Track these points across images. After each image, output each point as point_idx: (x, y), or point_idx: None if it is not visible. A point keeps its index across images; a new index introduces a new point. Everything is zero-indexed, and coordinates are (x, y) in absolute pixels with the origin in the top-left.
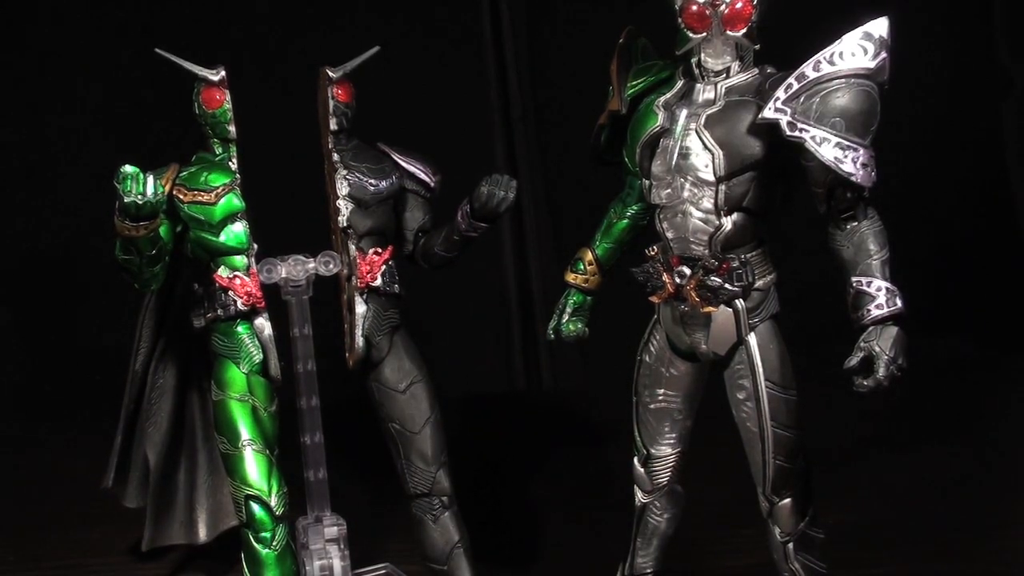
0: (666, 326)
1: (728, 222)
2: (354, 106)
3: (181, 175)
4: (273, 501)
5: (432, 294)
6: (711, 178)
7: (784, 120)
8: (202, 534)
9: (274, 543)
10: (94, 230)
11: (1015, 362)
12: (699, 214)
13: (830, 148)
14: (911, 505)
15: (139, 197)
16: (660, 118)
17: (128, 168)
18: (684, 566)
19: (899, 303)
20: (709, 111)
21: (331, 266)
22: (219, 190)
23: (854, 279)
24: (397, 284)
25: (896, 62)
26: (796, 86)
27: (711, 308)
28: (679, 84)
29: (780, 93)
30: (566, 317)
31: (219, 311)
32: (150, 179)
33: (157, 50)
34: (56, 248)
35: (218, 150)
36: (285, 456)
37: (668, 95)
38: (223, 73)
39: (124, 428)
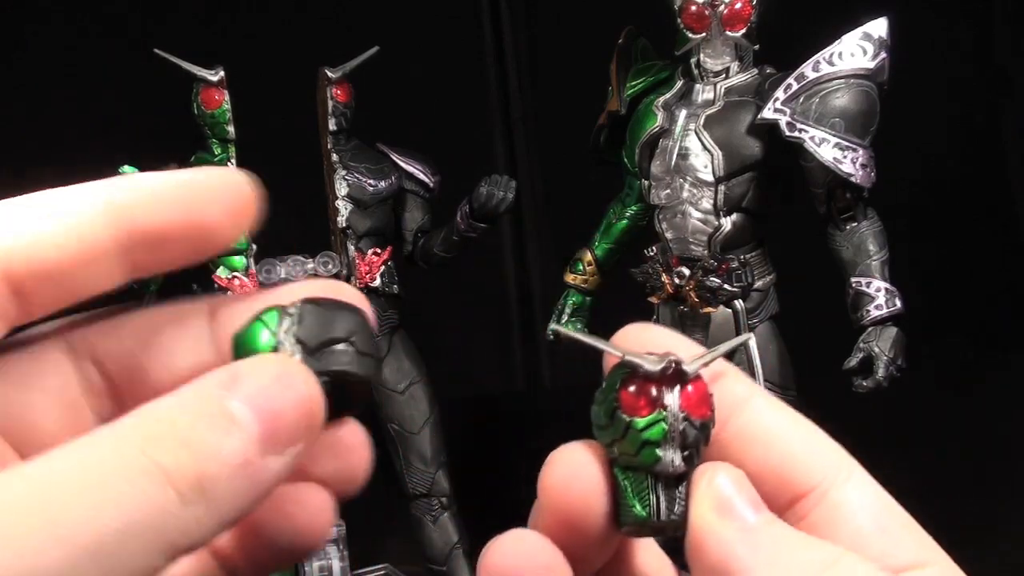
0: (665, 327)
1: (727, 223)
2: (353, 106)
3: None
4: None
5: (432, 294)
6: (710, 179)
7: (783, 120)
8: None
9: None
10: None
11: (1015, 362)
12: (698, 214)
13: (829, 148)
14: (909, 506)
15: None
16: (659, 118)
17: (127, 169)
18: (682, 564)
19: (898, 304)
20: (708, 111)
21: (330, 267)
22: None
23: (853, 280)
24: (396, 284)
25: (896, 62)
26: (795, 86)
27: (710, 309)
28: (678, 84)
29: (779, 93)
30: (565, 318)
31: None
32: None
33: (156, 50)
34: None
35: (217, 151)
36: None
37: (667, 95)
38: (222, 73)
39: None
